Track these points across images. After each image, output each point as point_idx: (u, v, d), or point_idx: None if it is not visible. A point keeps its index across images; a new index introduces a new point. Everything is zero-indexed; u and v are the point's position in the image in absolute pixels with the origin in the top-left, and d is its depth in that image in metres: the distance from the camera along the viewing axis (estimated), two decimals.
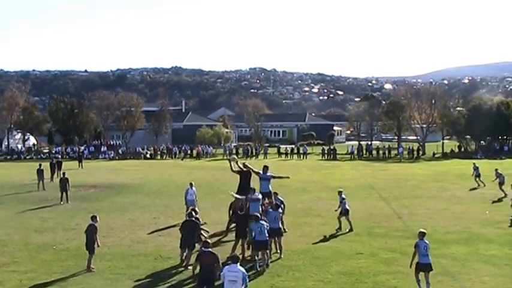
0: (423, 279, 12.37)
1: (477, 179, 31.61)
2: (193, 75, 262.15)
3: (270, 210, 15.76)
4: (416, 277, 12.47)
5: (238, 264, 10.32)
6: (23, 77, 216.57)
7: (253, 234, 14.61)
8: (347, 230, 19.14)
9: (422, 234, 12.68)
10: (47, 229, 19.85)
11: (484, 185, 30.49)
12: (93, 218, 14.74)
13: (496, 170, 28.72)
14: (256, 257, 14.57)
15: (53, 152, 64.06)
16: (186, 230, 14.84)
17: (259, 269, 14.25)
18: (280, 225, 16.15)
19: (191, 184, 21.82)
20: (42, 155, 63.04)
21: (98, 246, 14.63)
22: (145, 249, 15.76)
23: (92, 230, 14.46)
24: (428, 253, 12.50)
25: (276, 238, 15.60)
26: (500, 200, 26.13)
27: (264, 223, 14.73)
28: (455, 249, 16.45)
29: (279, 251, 15.65)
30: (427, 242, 12.65)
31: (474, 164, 33.32)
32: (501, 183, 27.50)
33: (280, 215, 16.39)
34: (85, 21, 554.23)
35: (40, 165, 32.49)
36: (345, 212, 19.47)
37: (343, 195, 19.98)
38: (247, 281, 10.40)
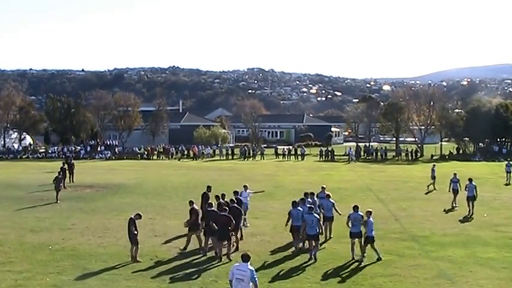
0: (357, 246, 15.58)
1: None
2: (190, 75, 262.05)
3: (306, 215, 15.98)
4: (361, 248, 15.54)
5: (249, 263, 10.09)
6: (20, 76, 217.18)
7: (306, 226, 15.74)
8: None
9: (356, 208, 15.73)
10: (43, 229, 19.77)
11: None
12: (136, 215, 15.82)
13: (455, 174, 26.46)
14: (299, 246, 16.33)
15: (49, 151, 63.93)
16: (220, 223, 15.45)
17: (314, 257, 15.39)
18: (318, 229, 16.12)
19: (245, 186, 20.99)
20: (38, 155, 62.94)
21: (136, 234, 15.41)
22: (142, 249, 15.69)
23: (129, 222, 15.51)
24: (356, 224, 15.50)
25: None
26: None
27: (317, 216, 16.17)
28: (452, 251, 16.41)
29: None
30: (360, 213, 15.58)
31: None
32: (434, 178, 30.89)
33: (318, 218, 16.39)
34: (82, 21, 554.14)
35: (63, 163, 33.39)
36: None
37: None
38: (257, 279, 10.08)
